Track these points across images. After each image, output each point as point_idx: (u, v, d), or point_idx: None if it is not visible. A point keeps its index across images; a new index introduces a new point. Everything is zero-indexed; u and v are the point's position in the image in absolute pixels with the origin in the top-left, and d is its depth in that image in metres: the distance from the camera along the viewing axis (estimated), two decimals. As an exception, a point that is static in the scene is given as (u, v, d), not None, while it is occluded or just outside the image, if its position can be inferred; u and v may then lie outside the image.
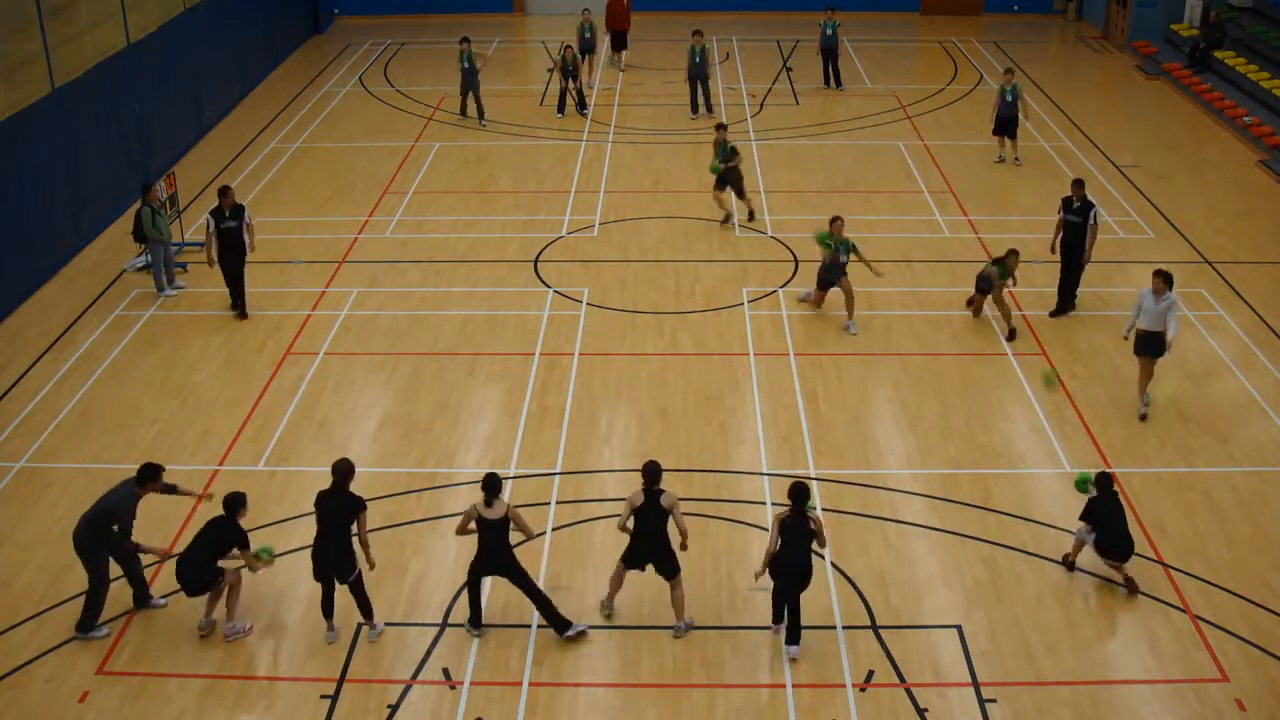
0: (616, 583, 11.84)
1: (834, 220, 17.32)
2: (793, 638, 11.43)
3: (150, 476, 11.67)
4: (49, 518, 13.41)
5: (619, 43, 30.48)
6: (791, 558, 11.14)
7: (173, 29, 24.48)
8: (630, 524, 11.49)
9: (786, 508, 11.23)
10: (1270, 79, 26.20)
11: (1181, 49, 30.16)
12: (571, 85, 26.59)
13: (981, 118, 26.24)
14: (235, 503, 11.44)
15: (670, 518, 11.33)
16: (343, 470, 11.24)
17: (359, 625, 11.74)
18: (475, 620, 11.58)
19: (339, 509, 11.20)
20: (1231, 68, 27.59)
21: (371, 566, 11.48)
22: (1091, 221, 17.11)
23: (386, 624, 11.77)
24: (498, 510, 11.17)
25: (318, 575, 11.40)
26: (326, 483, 13.82)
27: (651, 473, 11.35)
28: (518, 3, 36.89)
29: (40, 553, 12.86)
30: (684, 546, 11.54)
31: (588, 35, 28.55)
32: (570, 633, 11.49)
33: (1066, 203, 17.33)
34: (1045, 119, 26.33)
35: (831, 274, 17.35)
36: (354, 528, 11.29)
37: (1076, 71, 30.71)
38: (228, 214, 17.28)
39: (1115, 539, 11.97)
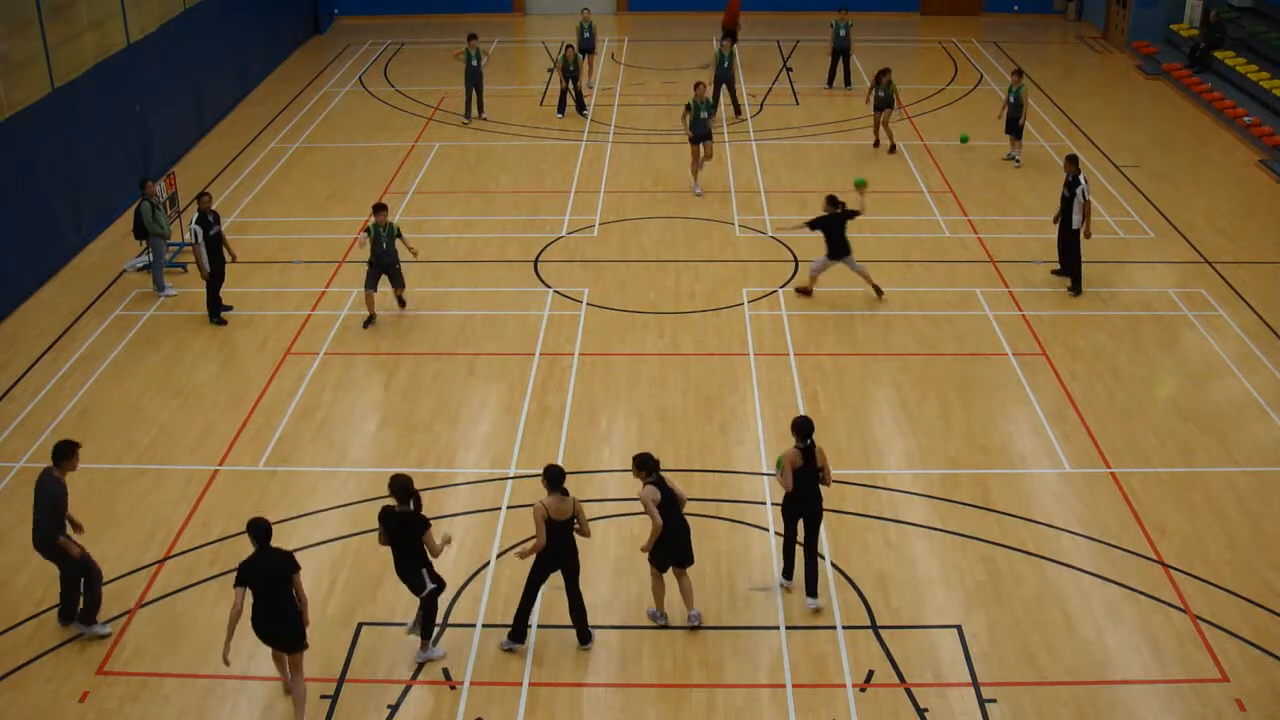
0: (660, 592, 11.70)
1: (697, 85, 22.14)
2: (813, 589, 11.86)
3: (65, 454, 11.45)
4: (49, 518, 13.40)
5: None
6: (808, 499, 11.66)
7: (173, 29, 24.48)
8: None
9: (794, 446, 11.54)
10: (1270, 79, 26.20)
11: (1181, 49, 30.17)
12: (571, 86, 26.60)
13: (981, 118, 26.32)
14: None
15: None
16: (400, 488, 10.80)
17: (360, 625, 11.73)
18: (520, 635, 11.30)
19: (408, 528, 10.88)
20: (1231, 68, 27.60)
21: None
22: (1080, 198, 17.79)
23: (386, 624, 11.76)
24: (567, 507, 10.95)
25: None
26: (328, 483, 13.96)
27: (650, 463, 11.23)
28: (518, 3, 36.91)
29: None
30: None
31: (587, 35, 28.54)
32: (588, 646, 11.47)
33: (1065, 179, 18.21)
34: (1045, 119, 26.33)
35: (697, 130, 21.67)
36: (425, 543, 10.96)
37: (1076, 71, 30.72)
38: (211, 219, 17.18)
39: (833, 244, 17.45)
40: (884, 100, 24.09)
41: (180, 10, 25.12)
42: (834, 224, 17.60)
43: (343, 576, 12.43)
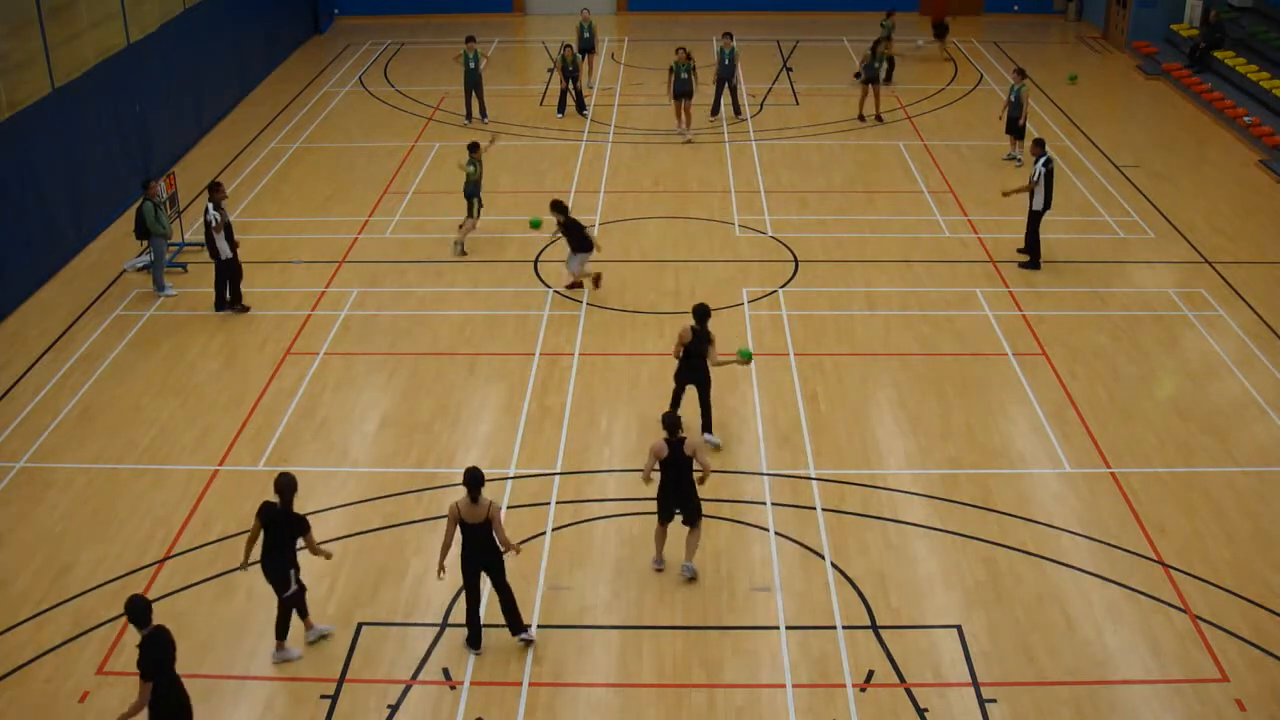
0: (660, 539, 12.35)
1: (679, 49, 24.71)
2: (708, 426, 14.38)
3: None
4: (49, 518, 13.42)
5: (940, 31, 31.63)
6: (694, 369, 14.16)
7: (173, 29, 24.48)
8: (655, 476, 12.09)
9: (689, 326, 13.98)
10: (1270, 79, 26.20)
11: (1181, 49, 30.17)
12: (571, 86, 26.59)
13: (981, 118, 26.35)
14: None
15: (694, 461, 11.92)
16: (282, 485, 10.94)
17: (360, 625, 11.75)
18: (475, 640, 11.42)
19: (283, 522, 10.99)
20: (1231, 68, 27.60)
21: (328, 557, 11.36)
22: (1032, 177, 18.94)
23: (386, 624, 11.77)
24: (480, 511, 10.98)
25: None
26: (327, 483, 13.97)
27: (673, 423, 11.90)
28: (518, 3, 36.91)
29: (40, 553, 12.87)
30: (703, 480, 12.12)
31: (587, 35, 28.52)
32: (524, 635, 11.44)
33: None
34: (1045, 119, 26.33)
35: (680, 88, 24.49)
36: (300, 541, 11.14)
37: (1076, 72, 30.69)
38: (224, 207, 17.65)
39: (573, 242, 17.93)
40: (874, 72, 25.75)
41: (180, 10, 25.11)
42: (568, 227, 17.90)
43: (343, 576, 12.44)
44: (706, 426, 14.45)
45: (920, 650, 11.42)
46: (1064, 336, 17.09)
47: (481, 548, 11.12)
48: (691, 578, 12.22)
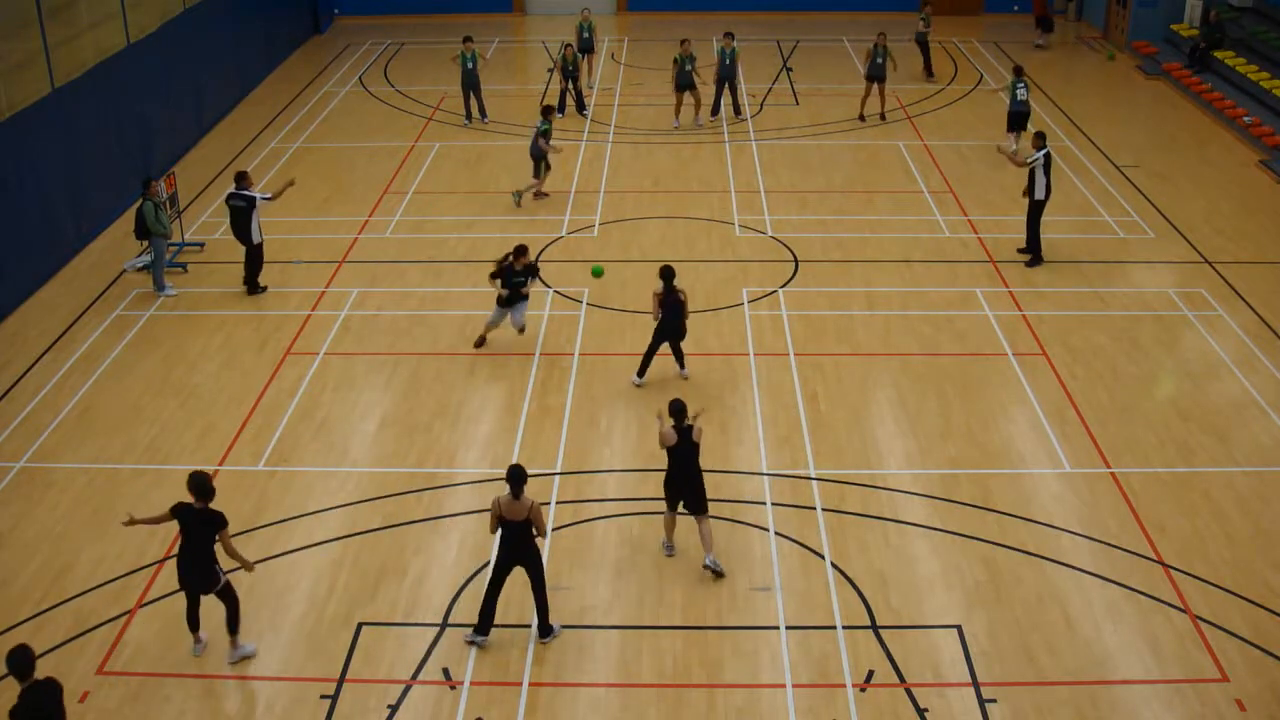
0: (670, 525, 12.60)
1: (683, 42, 25.45)
2: (681, 365, 15.84)
3: None
4: (49, 518, 13.42)
5: (1044, 25, 32.58)
6: (671, 324, 15.37)
7: (173, 29, 24.48)
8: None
9: (661, 287, 15.14)
10: (1270, 79, 26.20)
11: (1181, 49, 30.17)
12: (571, 86, 26.59)
13: (982, 118, 26.35)
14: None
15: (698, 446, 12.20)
16: (201, 486, 10.93)
17: (360, 625, 11.75)
18: (484, 629, 11.43)
19: (203, 522, 10.95)
20: (1231, 68, 27.60)
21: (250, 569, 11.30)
22: (1028, 159, 19.19)
23: (386, 624, 11.78)
24: (521, 509, 11.05)
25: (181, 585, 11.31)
26: (327, 483, 13.97)
27: (679, 410, 12.02)
28: (518, 3, 36.91)
29: (40, 553, 12.87)
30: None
31: (587, 35, 28.51)
32: (549, 639, 11.52)
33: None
34: (1045, 119, 26.33)
35: (683, 79, 25.21)
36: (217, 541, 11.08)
37: (1076, 71, 30.71)
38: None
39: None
40: (879, 69, 25.48)
41: (180, 10, 25.11)
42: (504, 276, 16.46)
43: (343, 576, 12.44)
44: (680, 363, 15.90)
45: (920, 650, 11.43)
46: (1064, 336, 17.09)
47: (520, 545, 11.20)
48: (719, 573, 12.24)
